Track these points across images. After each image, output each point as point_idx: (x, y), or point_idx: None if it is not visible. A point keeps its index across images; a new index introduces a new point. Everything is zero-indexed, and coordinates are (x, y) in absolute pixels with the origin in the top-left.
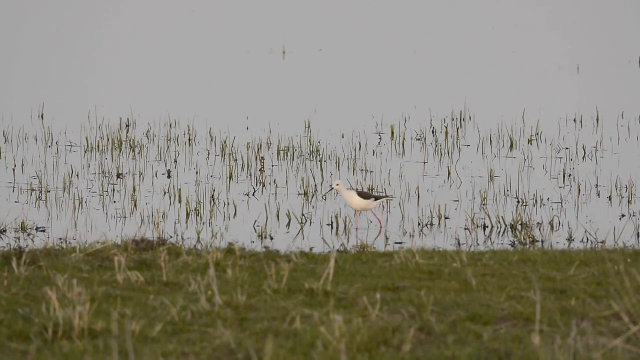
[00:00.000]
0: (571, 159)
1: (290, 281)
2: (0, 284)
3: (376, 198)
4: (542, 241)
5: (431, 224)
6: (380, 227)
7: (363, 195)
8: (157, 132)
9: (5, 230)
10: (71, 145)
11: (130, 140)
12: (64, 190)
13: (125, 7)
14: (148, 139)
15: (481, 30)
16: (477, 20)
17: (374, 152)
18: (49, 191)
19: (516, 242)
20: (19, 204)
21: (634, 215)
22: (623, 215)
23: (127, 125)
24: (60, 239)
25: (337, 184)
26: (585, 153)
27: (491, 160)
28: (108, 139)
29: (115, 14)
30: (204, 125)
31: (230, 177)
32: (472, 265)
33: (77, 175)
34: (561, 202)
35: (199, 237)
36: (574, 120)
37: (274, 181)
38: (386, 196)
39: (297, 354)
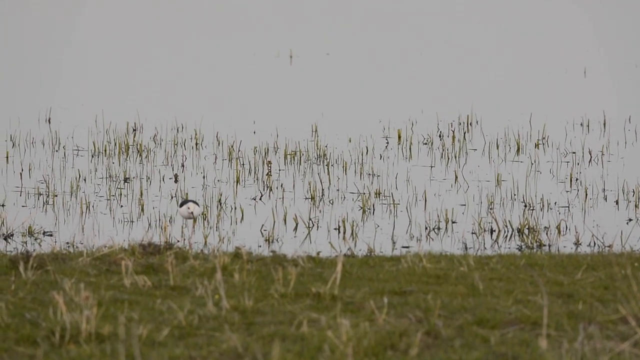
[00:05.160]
0: (578, 163)
1: (297, 285)
2: (8, 288)
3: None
4: (550, 245)
5: (438, 228)
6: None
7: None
8: (164, 137)
9: (12, 235)
10: (78, 150)
11: (137, 145)
12: (71, 195)
13: (132, 10)
14: (155, 143)
15: (487, 33)
16: (483, 24)
17: (381, 157)
18: (56, 195)
19: (523, 246)
20: (26, 208)
21: None
22: (630, 220)
23: (134, 130)
24: (68, 243)
25: (194, 208)
26: (592, 157)
27: (498, 164)
28: (115, 143)
29: (121, 18)
30: (211, 130)
31: (238, 181)
32: (480, 269)
33: (85, 180)
34: (568, 206)
35: (206, 242)
36: (581, 124)
37: (281, 185)
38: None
39: (304, 358)
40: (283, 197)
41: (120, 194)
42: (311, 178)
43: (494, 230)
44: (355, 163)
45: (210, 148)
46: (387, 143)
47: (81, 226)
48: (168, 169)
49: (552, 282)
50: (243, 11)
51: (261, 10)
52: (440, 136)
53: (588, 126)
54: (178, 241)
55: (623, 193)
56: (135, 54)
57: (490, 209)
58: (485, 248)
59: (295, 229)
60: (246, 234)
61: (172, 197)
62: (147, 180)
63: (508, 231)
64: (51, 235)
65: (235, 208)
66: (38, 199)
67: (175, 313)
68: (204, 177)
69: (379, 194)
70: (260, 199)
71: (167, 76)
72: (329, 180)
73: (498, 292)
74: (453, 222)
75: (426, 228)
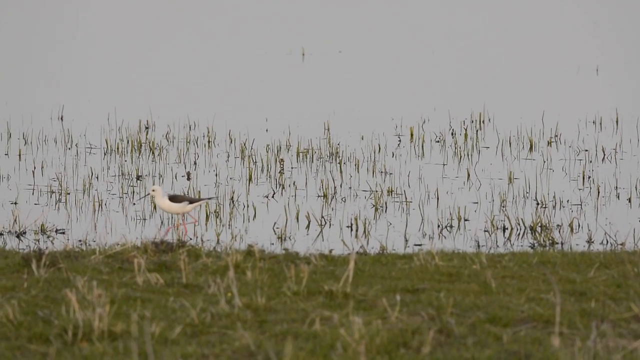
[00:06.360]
0: (591, 161)
1: (309, 283)
2: (20, 286)
3: (191, 201)
4: (562, 243)
5: (451, 226)
6: (193, 228)
7: (176, 199)
8: (176, 134)
9: (25, 233)
10: (91, 148)
11: (149, 143)
12: (84, 193)
13: (143, 9)
14: (168, 141)
15: (499, 31)
16: (496, 22)
17: (393, 154)
18: (69, 193)
19: (536, 244)
20: (38, 206)
21: None
22: None
23: (147, 128)
24: (80, 241)
25: (154, 190)
26: (604, 155)
27: (511, 162)
28: (128, 141)
29: (133, 16)
30: (224, 128)
31: (250, 179)
32: (492, 267)
33: (97, 177)
34: (581, 204)
35: (218, 239)
36: (594, 122)
37: (294, 183)
38: (201, 199)
39: (317, 355)
40: (295, 195)
41: (133, 192)
42: (323, 176)
43: (507, 228)
44: (367, 161)
45: (223, 146)
46: (400, 141)
47: (94, 224)
48: (180, 167)
49: (565, 280)
50: (255, 9)
51: (273, 8)
52: (452, 134)
53: (601, 124)
54: (190, 239)
55: (635, 190)
56: (146, 52)
57: (503, 206)
58: (497, 246)
59: (308, 226)
60: (259, 232)
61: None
62: (159, 178)
63: (520, 229)
64: (64, 233)
65: (248, 206)
66: (50, 196)
67: (188, 311)
68: (216, 175)
69: (392, 192)
70: (273, 196)
71: (179, 74)
72: (342, 178)
73: (510, 290)
74: (465, 220)
75: (438, 226)
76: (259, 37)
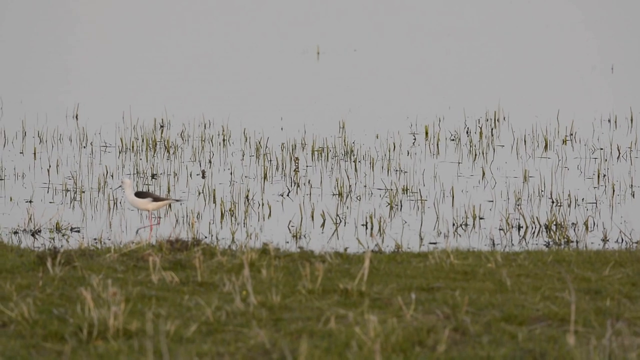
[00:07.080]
0: (606, 160)
1: (324, 281)
2: (36, 285)
3: (155, 199)
4: (577, 242)
5: (466, 225)
6: (150, 230)
7: (140, 194)
8: (191, 133)
9: (40, 231)
10: (106, 146)
11: (164, 141)
12: (99, 191)
13: (158, 8)
14: (182, 139)
15: (515, 30)
16: (511, 21)
17: (408, 153)
18: (84, 192)
19: (551, 243)
20: (53, 205)
21: None
22: None
23: (162, 126)
24: (95, 239)
25: (123, 182)
26: (619, 153)
27: (526, 160)
28: (143, 140)
29: (148, 14)
30: (239, 126)
31: (265, 177)
32: (507, 265)
33: (112, 176)
34: (596, 203)
35: (233, 238)
36: (609, 120)
37: (309, 182)
38: (167, 199)
39: (332, 354)
40: (310, 193)
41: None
42: (338, 174)
43: (522, 227)
44: (382, 159)
45: (238, 144)
46: (415, 139)
47: (109, 222)
48: (195, 165)
49: (580, 279)
50: (270, 8)
51: (288, 7)
52: (467, 132)
53: (616, 122)
54: (206, 237)
55: None
56: (160, 51)
57: (518, 205)
58: (512, 244)
59: (323, 225)
60: (274, 230)
61: (199, 193)
62: (174, 177)
63: (535, 227)
64: (79, 232)
65: (263, 204)
66: (65, 195)
67: (203, 309)
68: (231, 174)
69: (407, 190)
70: (288, 195)
71: (194, 73)
72: (356, 176)
73: (525, 289)
74: (480, 219)
75: (453, 224)
76: (273, 36)
